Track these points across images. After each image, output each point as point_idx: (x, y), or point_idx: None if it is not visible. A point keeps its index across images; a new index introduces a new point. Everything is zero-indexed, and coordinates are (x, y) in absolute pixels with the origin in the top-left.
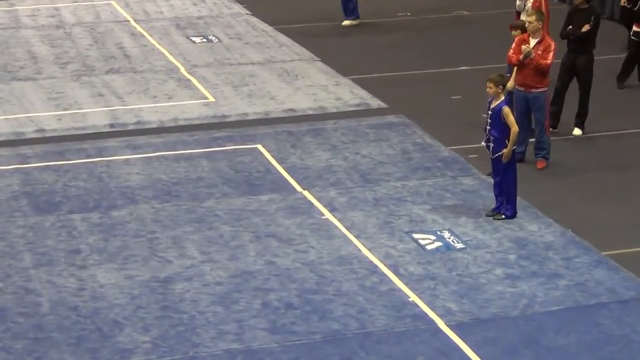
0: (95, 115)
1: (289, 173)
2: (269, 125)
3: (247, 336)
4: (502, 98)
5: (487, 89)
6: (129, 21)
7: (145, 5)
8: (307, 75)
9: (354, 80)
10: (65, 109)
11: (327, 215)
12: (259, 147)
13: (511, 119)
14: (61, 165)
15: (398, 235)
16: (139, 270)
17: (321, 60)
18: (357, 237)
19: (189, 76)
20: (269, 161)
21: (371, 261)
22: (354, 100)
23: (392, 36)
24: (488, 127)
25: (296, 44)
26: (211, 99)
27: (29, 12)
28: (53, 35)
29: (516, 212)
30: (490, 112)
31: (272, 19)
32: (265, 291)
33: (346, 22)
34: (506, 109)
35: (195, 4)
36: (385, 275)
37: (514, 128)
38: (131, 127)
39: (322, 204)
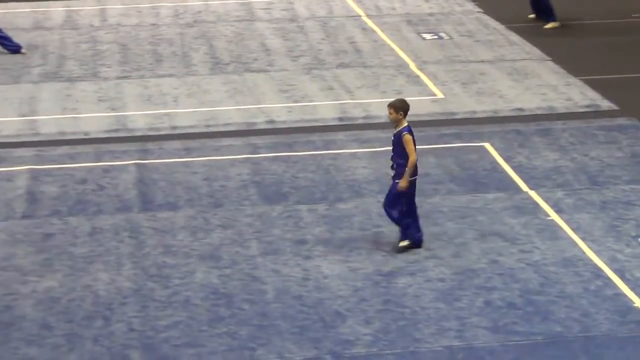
0: (324, 108)
1: (515, 172)
2: (497, 123)
3: (469, 334)
4: (405, 124)
5: (388, 115)
6: (360, 16)
7: (377, 1)
8: (537, 75)
9: (585, 81)
10: (296, 101)
11: (553, 216)
12: (486, 145)
13: (411, 147)
14: (290, 156)
15: (625, 239)
16: (363, 263)
17: (552, 60)
18: (582, 239)
19: (418, 72)
20: (495, 160)
21: (596, 264)
22: (584, 102)
23: (625, 37)
24: (392, 154)
25: (527, 43)
26: (440, 95)
27: (264, 5)
28: (286, 29)
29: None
30: (392, 138)
31: (504, 17)
32: (488, 290)
33: (549, 25)
34: (407, 136)
35: (427, 1)
36: (610, 279)
37: (412, 157)
38: (360, 121)
39: (548, 205)
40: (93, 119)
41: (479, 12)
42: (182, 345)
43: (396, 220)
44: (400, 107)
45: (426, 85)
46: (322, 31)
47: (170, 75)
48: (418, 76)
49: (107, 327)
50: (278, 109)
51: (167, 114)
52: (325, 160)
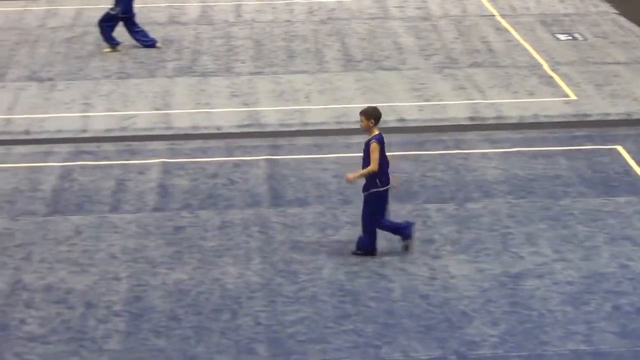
0: (455, 107)
1: None
2: (630, 126)
3: (596, 338)
4: (376, 132)
5: (360, 122)
6: (494, 16)
7: (511, 1)
8: None
9: None
10: (427, 100)
11: None
12: (619, 148)
13: (375, 156)
14: (420, 155)
15: None
16: (491, 264)
17: None
18: None
19: (551, 73)
20: (628, 163)
21: None
22: None
23: None
24: (362, 162)
25: None
26: (573, 97)
27: (398, 3)
28: (419, 27)
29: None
30: (364, 146)
31: None
32: (617, 294)
33: None
34: (374, 144)
35: (562, 1)
36: None
37: (373, 166)
38: (491, 121)
39: None
40: (225, 114)
41: (614, 13)
42: (307, 341)
43: (389, 229)
44: (371, 115)
45: (559, 87)
46: (456, 30)
47: (302, 72)
48: (551, 77)
49: (234, 320)
50: (409, 108)
51: (298, 110)
52: (455, 160)
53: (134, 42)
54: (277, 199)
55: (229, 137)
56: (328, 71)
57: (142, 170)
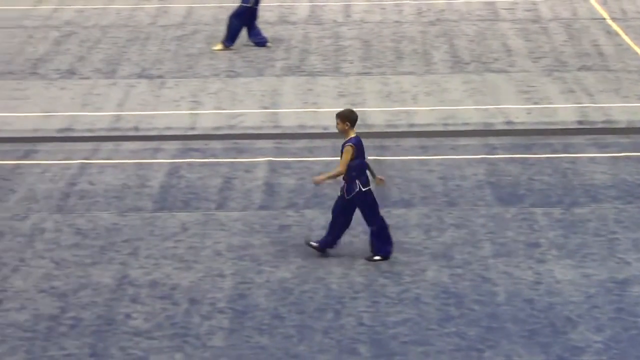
0: (564, 111)
1: None
2: None
3: None
4: (352, 135)
5: (336, 125)
6: (605, 19)
7: (622, 4)
8: None
9: None
10: (535, 103)
11: None
12: None
13: (345, 158)
14: (527, 158)
15: None
16: (597, 270)
17: None
18: None
19: None
20: None
21: None
22: None
23: None
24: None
25: None
26: None
27: (507, 5)
28: (529, 29)
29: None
30: (340, 149)
31: None
32: None
33: None
34: (347, 147)
35: None
36: None
37: (341, 169)
38: (599, 125)
39: None
40: (332, 114)
41: None
42: (410, 342)
43: (373, 232)
44: (346, 118)
45: None
46: (565, 33)
47: (410, 73)
48: None
49: (337, 320)
50: (517, 110)
51: (405, 111)
52: (563, 164)
53: (243, 40)
54: (382, 200)
55: (336, 137)
56: (436, 73)
57: (248, 168)
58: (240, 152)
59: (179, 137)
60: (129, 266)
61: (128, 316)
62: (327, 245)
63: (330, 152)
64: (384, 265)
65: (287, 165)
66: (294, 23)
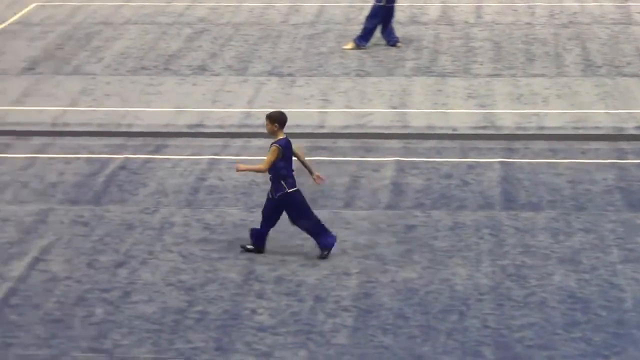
0: None
1: None
2: None
3: None
4: (281, 136)
5: (265, 126)
6: None
7: None
8: None
9: None
10: None
11: None
12: None
13: (270, 158)
14: None
15: None
16: None
17: None
18: None
19: None
20: None
21: None
22: None
23: None
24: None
25: None
26: None
27: None
28: None
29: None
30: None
31: None
32: None
33: None
34: (274, 147)
35: None
36: None
37: (264, 166)
38: None
39: None
40: (461, 115)
41: None
42: (535, 346)
43: (309, 231)
44: (275, 119)
45: None
46: None
47: (541, 75)
48: None
49: (461, 322)
50: None
51: (535, 114)
52: None
53: (374, 40)
54: (509, 202)
55: (464, 138)
56: (567, 75)
57: (376, 167)
58: (368, 151)
59: (307, 135)
60: (256, 262)
61: (253, 311)
62: (261, 242)
63: (458, 153)
64: (510, 268)
65: (414, 165)
66: (425, 23)
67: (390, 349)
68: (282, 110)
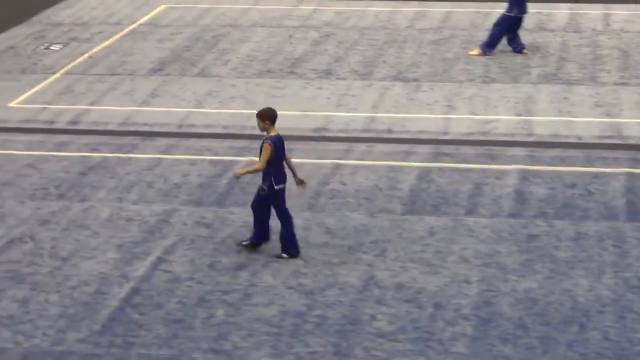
0: None
1: None
2: None
3: None
4: (273, 133)
5: (257, 124)
6: None
7: None
8: None
9: None
10: None
11: None
12: None
13: (265, 155)
14: None
15: None
16: None
17: None
18: None
19: None
20: None
21: None
22: None
23: None
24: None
25: None
26: None
27: None
28: None
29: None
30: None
31: None
32: None
33: None
34: (267, 144)
35: None
36: None
37: (260, 165)
38: None
39: None
40: (587, 124)
41: None
42: None
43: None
44: (266, 116)
45: None
46: None
47: None
48: None
49: (582, 333)
50: None
51: None
52: None
53: (500, 46)
54: (634, 214)
55: (590, 147)
56: None
57: (499, 175)
58: (491, 158)
59: (431, 141)
60: (376, 267)
61: (373, 317)
62: (260, 240)
63: (583, 162)
64: (634, 280)
65: (538, 174)
66: (552, 30)
67: (509, 358)
68: (408, 116)
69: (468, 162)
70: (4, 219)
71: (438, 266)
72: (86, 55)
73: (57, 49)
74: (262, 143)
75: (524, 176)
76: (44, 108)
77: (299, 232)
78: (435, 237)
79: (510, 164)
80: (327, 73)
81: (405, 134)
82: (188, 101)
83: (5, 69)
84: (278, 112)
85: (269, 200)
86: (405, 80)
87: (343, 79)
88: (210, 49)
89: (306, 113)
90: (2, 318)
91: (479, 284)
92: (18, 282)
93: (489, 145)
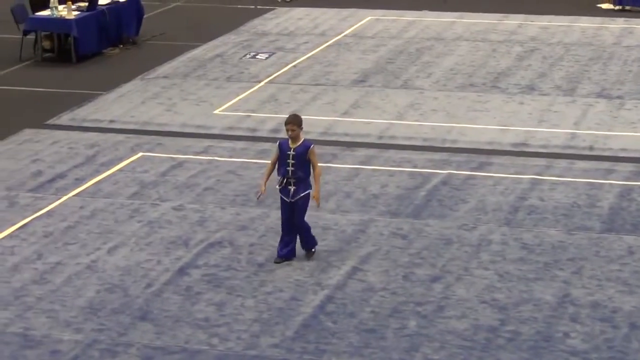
0: None
1: None
2: None
3: None
4: (303, 138)
5: (290, 132)
6: None
7: None
8: None
9: None
10: None
11: None
12: None
13: (316, 159)
14: None
15: None
16: None
17: None
18: None
19: None
20: None
21: None
22: None
23: None
24: (291, 169)
25: None
26: None
27: None
28: None
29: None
30: (293, 153)
31: None
32: None
33: None
34: (312, 149)
35: None
36: None
37: (318, 170)
38: None
39: None
40: None
41: None
42: None
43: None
44: (301, 123)
45: None
46: None
47: None
48: None
49: None
50: None
51: None
52: None
53: None
54: None
55: None
56: None
57: None
58: None
59: (633, 159)
60: (572, 285)
61: (566, 335)
62: (291, 254)
63: None
64: None
65: None
66: None
67: None
68: (610, 133)
69: None
70: (204, 223)
71: (635, 286)
72: (291, 65)
73: (263, 58)
74: (307, 148)
75: None
76: (248, 116)
77: (495, 247)
78: (633, 256)
79: None
80: (530, 88)
81: (606, 151)
82: (389, 113)
83: (212, 76)
84: (479, 126)
85: (302, 204)
86: (609, 97)
87: (546, 94)
88: (414, 62)
89: (507, 128)
90: (198, 320)
91: None
92: (215, 286)
93: None
